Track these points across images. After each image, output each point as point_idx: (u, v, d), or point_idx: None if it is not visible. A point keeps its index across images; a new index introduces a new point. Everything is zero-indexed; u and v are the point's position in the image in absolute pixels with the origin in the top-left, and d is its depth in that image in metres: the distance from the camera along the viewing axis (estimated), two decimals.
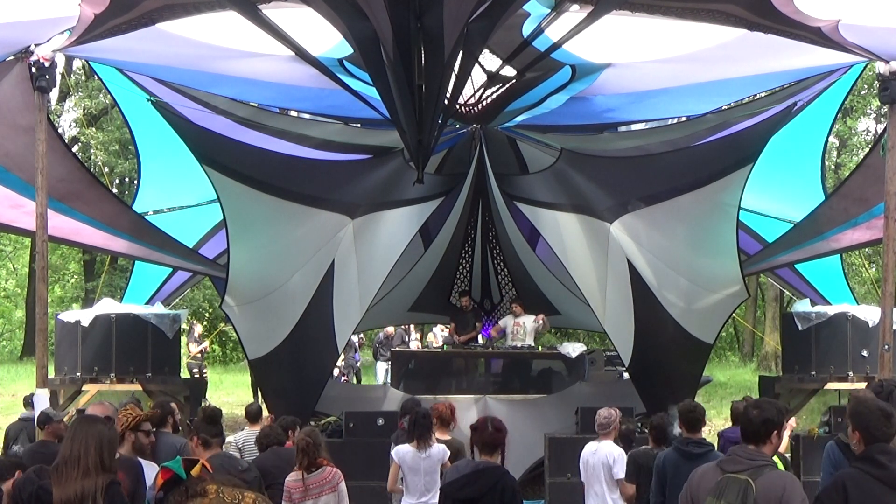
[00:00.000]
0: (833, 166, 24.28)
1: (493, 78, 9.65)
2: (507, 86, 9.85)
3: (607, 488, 7.61)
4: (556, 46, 8.47)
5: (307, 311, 11.60)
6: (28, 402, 10.14)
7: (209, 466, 4.19)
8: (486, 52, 8.74)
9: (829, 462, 6.08)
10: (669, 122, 11.94)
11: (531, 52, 8.82)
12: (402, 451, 7.25)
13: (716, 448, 6.38)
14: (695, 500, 4.27)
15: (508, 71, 9.60)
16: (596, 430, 7.87)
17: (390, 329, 19.35)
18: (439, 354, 14.63)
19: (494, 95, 10.01)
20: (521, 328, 13.73)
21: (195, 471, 4.08)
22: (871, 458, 4.20)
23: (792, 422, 8.69)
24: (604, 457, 7.61)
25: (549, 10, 8.03)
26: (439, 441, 7.34)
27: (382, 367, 18.87)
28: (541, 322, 13.69)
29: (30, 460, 6.05)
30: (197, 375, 16.76)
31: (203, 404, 16.12)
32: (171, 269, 13.25)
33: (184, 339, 15.59)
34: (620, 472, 7.38)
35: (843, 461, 5.35)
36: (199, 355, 17.69)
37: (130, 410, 5.74)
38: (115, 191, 19.23)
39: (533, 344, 13.76)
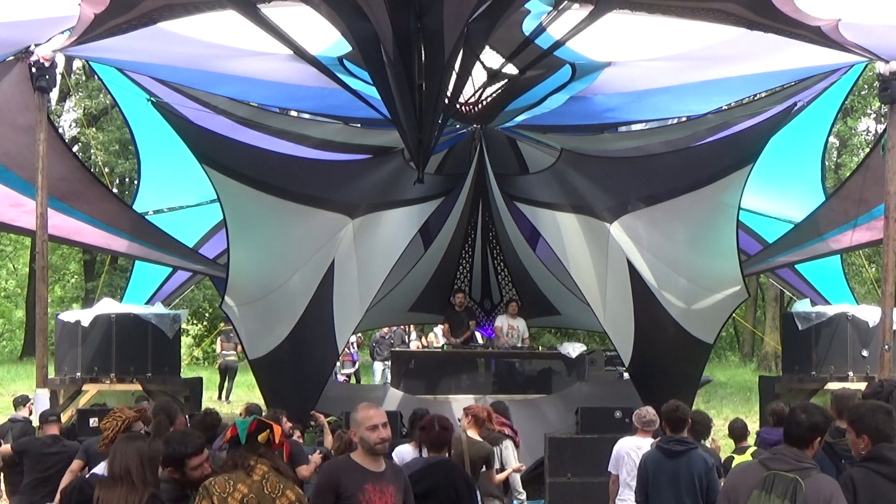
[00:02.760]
0: (833, 166, 24.29)
1: (493, 76, 9.64)
2: (508, 83, 9.84)
3: None
4: (557, 45, 8.46)
5: (307, 311, 11.60)
6: (20, 402, 10.15)
7: (279, 437, 4.29)
8: (486, 48, 8.72)
9: (826, 459, 6.08)
10: (669, 122, 11.94)
11: (532, 50, 8.82)
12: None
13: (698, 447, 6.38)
14: (733, 495, 4.25)
15: (509, 69, 9.59)
16: (642, 427, 7.78)
17: (386, 329, 19.36)
18: (439, 354, 14.64)
19: (495, 94, 10.01)
20: (516, 332, 13.81)
21: (262, 437, 4.24)
22: (877, 456, 4.20)
23: None
24: None
25: (549, 8, 8.03)
26: (472, 440, 7.30)
27: (379, 367, 18.90)
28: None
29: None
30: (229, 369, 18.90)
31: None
32: (171, 269, 13.25)
33: (186, 339, 15.75)
34: None
35: (826, 461, 5.33)
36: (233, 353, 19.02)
37: (119, 413, 5.80)
38: (115, 191, 19.22)
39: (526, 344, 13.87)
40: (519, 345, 13.78)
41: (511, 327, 13.87)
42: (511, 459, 8.22)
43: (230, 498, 4.14)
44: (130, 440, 4.68)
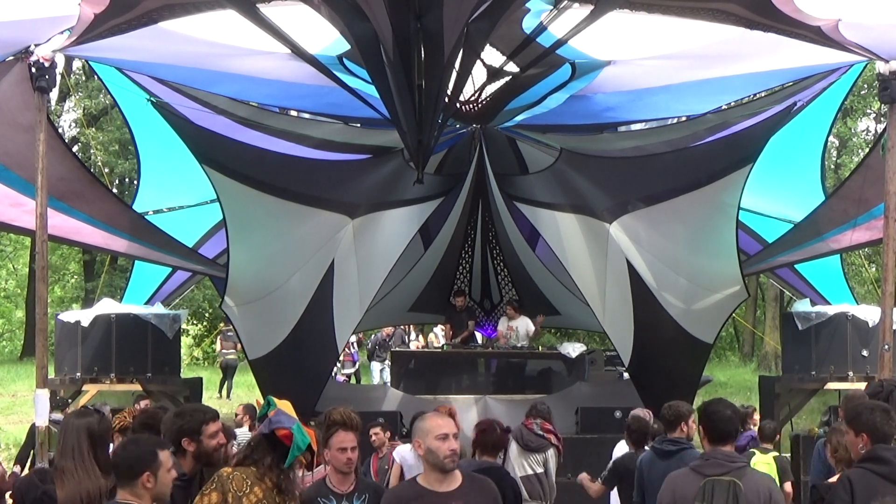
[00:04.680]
0: (833, 167, 24.29)
1: (494, 74, 9.64)
2: (508, 81, 9.83)
3: None
4: (559, 44, 8.46)
5: (307, 311, 11.59)
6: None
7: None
8: (487, 46, 8.73)
9: (819, 459, 6.10)
10: (669, 122, 11.94)
11: (533, 48, 8.81)
12: (403, 451, 7.30)
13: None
14: None
15: (510, 67, 9.59)
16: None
17: (388, 330, 19.37)
18: (439, 354, 14.66)
19: (494, 93, 10.00)
20: (514, 332, 13.81)
21: (303, 457, 4.28)
22: (874, 457, 4.20)
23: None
24: None
25: (549, 7, 8.04)
26: None
27: (377, 368, 18.93)
28: (537, 326, 13.82)
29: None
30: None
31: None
32: (170, 269, 13.25)
33: (186, 339, 15.79)
34: None
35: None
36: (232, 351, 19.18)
37: (127, 415, 5.80)
38: (114, 191, 19.21)
39: (527, 344, 13.82)
40: (519, 344, 13.77)
41: (510, 328, 13.89)
42: (552, 469, 8.07)
43: (245, 499, 4.01)
44: (81, 416, 4.52)
